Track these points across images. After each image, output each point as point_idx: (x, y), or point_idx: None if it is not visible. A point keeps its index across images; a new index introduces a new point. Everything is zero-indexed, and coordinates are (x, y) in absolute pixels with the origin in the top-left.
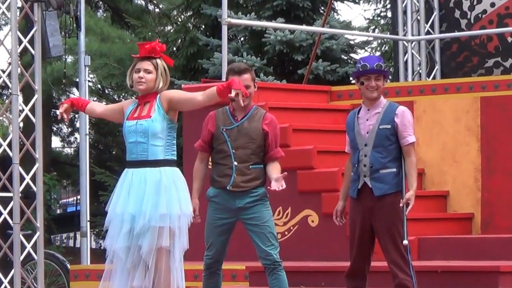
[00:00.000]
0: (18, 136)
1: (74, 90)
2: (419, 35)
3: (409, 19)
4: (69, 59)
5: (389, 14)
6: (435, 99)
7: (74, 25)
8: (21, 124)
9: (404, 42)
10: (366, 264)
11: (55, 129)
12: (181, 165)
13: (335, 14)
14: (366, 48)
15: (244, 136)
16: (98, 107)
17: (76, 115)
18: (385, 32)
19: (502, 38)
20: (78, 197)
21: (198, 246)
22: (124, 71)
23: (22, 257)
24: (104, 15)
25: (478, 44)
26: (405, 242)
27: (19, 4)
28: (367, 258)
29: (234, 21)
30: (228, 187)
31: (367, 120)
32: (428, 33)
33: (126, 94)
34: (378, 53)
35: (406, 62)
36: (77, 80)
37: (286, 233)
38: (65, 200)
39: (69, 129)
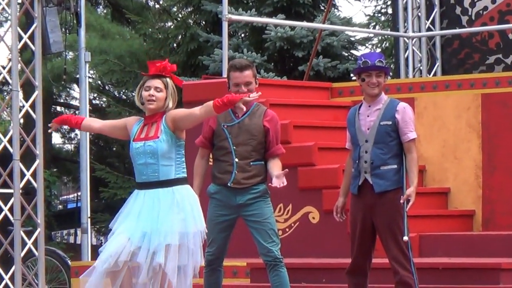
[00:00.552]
0: (19, 132)
1: (75, 86)
2: (420, 31)
3: (410, 16)
4: (69, 55)
5: (389, 10)
6: (436, 95)
7: (74, 21)
8: (22, 121)
9: (405, 39)
10: (367, 260)
11: None
12: None
13: (335, 10)
14: (366, 44)
15: (245, 132)
16: (95, 122)
17: (77, 111)
18: (385, 29)
19: (503, 35)
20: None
21: None
22: (124, 67)
23: (22, 254)
24: (104, 11)
25: (479, 41)
26: (405, 238)
27: (19, 0)
28: (368, 254)
29: (235, 17)
30: (229, 184)
31: (368, 116)
32: (429, 29)
33: (126, 91)
34: (378, 50)
35: (407, 59)
36: (78, 76)
37: (287, 229)
38: (65, 197)
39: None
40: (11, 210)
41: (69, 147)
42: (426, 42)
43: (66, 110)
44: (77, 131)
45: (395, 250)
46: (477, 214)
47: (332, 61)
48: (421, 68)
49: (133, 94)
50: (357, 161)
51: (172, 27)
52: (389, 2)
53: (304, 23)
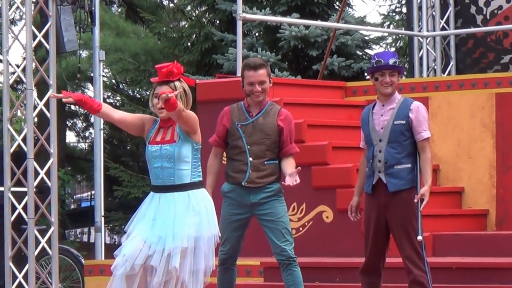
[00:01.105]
0: (33, 131)
1: (89, 85)
2: (434, 30)
3: (424, 15)
4: (84, 53)
5: (404, 9)
6: (450, 95)
7: (89, 20)
8: (36, 119)
9: (419, 38)
10: (381, 260)
11: (69, 124)
12: None
13: (350, 9)
14: (381, 43)
15: (259, 132)
16: (115, 113)
17: None
18: (400, 28)
19: None
20: (93, 192)
21: None
22: (138, 66)
23: (36, 252)
24: (119, 10)
25: (494, 40)
26: (419, 237)
27: None
28: (382, 254)
29: (249, 16)
30: (243, 183)
31: (382, 115)
32: (443, 28)
33: (140, 89)
34: (393, 49)
35: (421, 58)
36: (92, 75)
37: (301, 229)
38: (79, 195)
39: (84, 124)
40: (25, 208)
41: (83, 145)
42: (440, 41)
43: (80, 109)
44: (91, 130)
45: (409, 250)
46: (491, 213)
47: (346, 60)
48: (435, 67)
49: (147, 93)
50: (371, 161)
51: (186, 26)
52: (403, 1)
53: (319, 22)
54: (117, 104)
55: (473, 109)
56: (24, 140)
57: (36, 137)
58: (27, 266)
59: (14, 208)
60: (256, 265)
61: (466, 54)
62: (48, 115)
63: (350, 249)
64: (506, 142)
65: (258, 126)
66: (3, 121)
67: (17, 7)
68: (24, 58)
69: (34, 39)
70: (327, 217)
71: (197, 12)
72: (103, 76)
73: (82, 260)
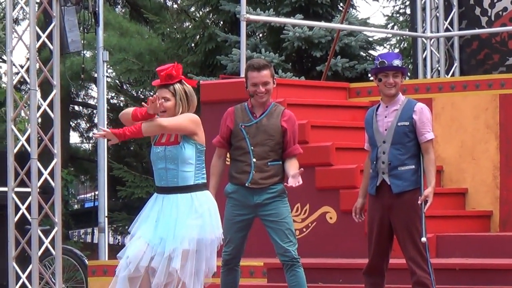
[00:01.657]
0: (37, 131)
1: (93, 85)
2: (438, 32)
3: (428, 16)
4: (88, 53)
5: (408, 11)
6: (454, 96)
7: (93, 20)
8: (40, 120)
9: (423, 39)
10: (384, 261)
11: (73, 124)
12: None
13: (353, 10)
14: (384, 44)
15: (263, 133)
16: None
17: (94, 111)
18: (404, 29)
19: None
20: (96, 192)
21: None
22: (142, 66)
23: (40, 253)
24: (123, 10)
25: (498, 42)
26: (423, 239)
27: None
28: (385, 255)
29: (253, 17)
30: (246, 184)
31: (386, 117)
32: (447, 30)
33: (144, 90)
34: (396, 50)
35: (425, 59)
36: (96, 75)
37: (304, 229)
38: (83, 196)
39: (88, 125)
40: (28, 209)
41: (86, 146)
42: (444, 42)
43: (84, 110)
44: (94, 130)
45: (412, 251)
46: (494, 215)
47: (350, 61)
48: (439, 68)
49: (151, 93)
50: (375, 162)
51: (190, 27)
52: (407, 3)
53: (322, 23)
54: (121, 104)
55: (476, 110)
56: (27, 140)
57: (39, 138)
58: (30, 267)
59: (17, 209)
60: (260, 266)
61: (470, 55)
62: (52, 115)
63: (353, 250)
64: (509, 143)
65: (262, 127)
66: (6, 122)
67: (21, 8)
68: (28, 59)
69: (38, 40)
70: (330, 218)
71: (201, 13)
72: (107, 76)
73: (86, 260)
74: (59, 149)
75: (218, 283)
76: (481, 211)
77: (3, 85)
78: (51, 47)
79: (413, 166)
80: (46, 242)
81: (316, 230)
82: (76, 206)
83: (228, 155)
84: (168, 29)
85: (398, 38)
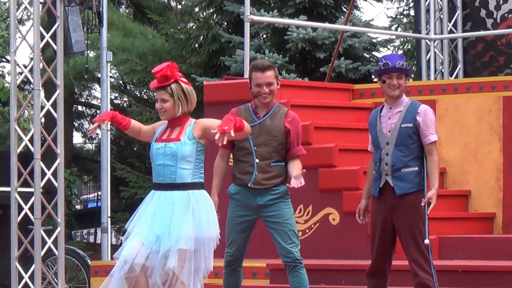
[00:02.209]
0: (40, 131)
1: (96, 85)
2: (442, 33)
3: (432, 18)
4: (91, 53)
5: (412, 12)
6: (457, 98)
7: (96, 20)
8: (43, 120)
9: (427, 41)
10: (387, 262)
11: (76, 124)
12: None
13: (357, 12)
14: (388, 46)
15: (266, 133)
16: (138, 127)
17: (98, 111)
18: (407, 31)
19: None
20: (99, 193)
21: (219, 243)
22: (146, 67)
23: (42, 253)
24: (127, 11)
25: (504, 44)
26: (426, 241)
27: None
28: (388, 256)
29: (257, 18)
30: (249, 185)
31: (389, 118)
32: (451, 32)
33: (147, 90)
34: (400, 52)
35: (428, 61)
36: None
37: (307, 231)
38: (85, 196)
39: (91, 125)
40: (31, 209)
41: (90, 146)
42: (448, 44)
43: (87, 110)
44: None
45: (415, 252)
46: (497, 217)
47: (354, 62)
48: (442, 70)
49: (154, 94)
50: (378, 163)
51: (194, 27)
52: (411, 4)
53: (326, 25)
54: (124, 105)
55: (480, 112)
56: (31, 140)
57: (43, 138)
58: (33, 267)
59: (20, 209)
60: (262, 267)
61: (475, 57)
62: (55, 115)
63: (356, 252)
64: None
65: (265, 127)
66: (10, 121)
67: (25, 8)
68: (32, 59)
69: (41, 40)
70: (333, 220)
71: (204, 13)
72: (111, 77)
73: (88, 260)
74: (62, 149)
75: (220, 284)
76: (484, 213)
77: (7, 84)
78: (55, 47)
79: (417, 168)
80: (49, 242)
81: (319, 231)
82: (79, 207)
83: (231, 155)
84: (172, 29)
85: (401, 39)
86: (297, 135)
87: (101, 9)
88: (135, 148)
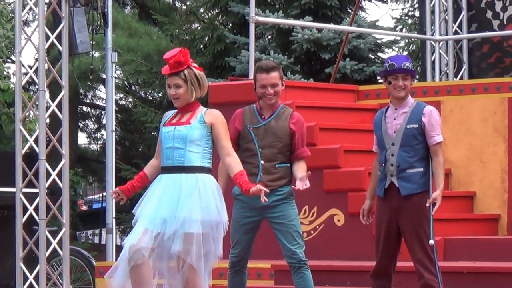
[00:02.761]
0: (45, 132)
1: (101, 86)
2: (447, 35)
3: (437, 19)
4: (96, 53)
5: (416, 13)
6: (462, 99)
7: (101, 21)
8: (48, 120)
9: (432, 42)
10: (391, 263)
11: (81, 125)
12: None
13: (362, 13)
14: (393, 47)
15: (271, 135)
16: (155, 161)
17: (103, 112)
18: (412, 32)
19: None
20: (104, 193)
21: (223, 244)
22: (151, 68)
23: (47, 253)
24: (132, 11)
25: (511, 45)
26: (431, 242)
27: (47, 0)
28: (393, 257)
29: (262, 19)
30: None
31: (395, 119)
32: (456, 33)
33: (152, 91)
34: (405, 53)
35: (433, 62)
36: (104, 76)
37: (312, 232)
38: (90, 197)
39: (96, 126)
40: (36, 209)
41: (94, 147)
42: (453, 45)
43: (92, 110)
44: (102, 131)
45: (420, 253)
46: (502, 218)
47: (359, 63)
48: (447, 71)
49: (160, 94)
50: (383, 164)
51: (199, 28)
52: (416, 5)
53: (331, 26)
54: (129, 106)
55: (485, 113)
56: (36, 141)
57: (48, 138)
58: (38, 267)
59: (25, 209)
60: (267, 268)
61: (481, 58)
62: (60, 116)
63: (361, 253)
64: None
65: (270, 129)
66: (15, 122)
67: (30, 8)
68: (37, 59)
69: (46, 40)
70: (338, 221)
71: (209, 14)
72: (116, 78)
73: (93, 261)
74: (67, 150)
75: (225, 285)
76: (489, 214)
77: (12, 85)
78: (60, 48)
79: (422, 169)
80: (54, 243)
81: (324, 232)
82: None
83: None
84: (177, 30)
85: (406, 40)
86: (302, 137)
87: (106, 10)
88: (140, 149)
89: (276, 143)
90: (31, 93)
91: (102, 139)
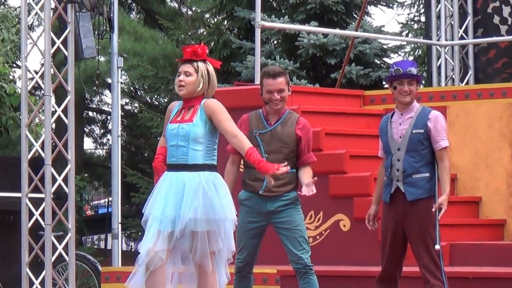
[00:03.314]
0: (51, 137)
1: (107, 91)
2: (452, 40)
3: (443, 24)
4: (102, 58)
5: (422, 18)
6: (468, 104)
7: (107, 26)
8: (54, 125)
9: (438, 47)
10: (397, 269)
11: (87, 130)
12: None
13: (368, 18)
14: (399, 52)
15: (277, 140)
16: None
17: (108, 117)
18: (418, 37)
19: None
20: (110, 198)
21: None
22: (157, 72)
23: (53, 258)
24: (137, 17)
25: None
26: (437, 247)
27: (53, 5)
28: (398, 263)
29: (268, 24)
30: (260, 191)
31: (400, 124)
32: (461, 38)
33: (158, 96)
34: (411, 58)
35: (439, 67)
36: (110, 81)
37: (318, 237)
38: (96, 202)
39: (102, 131)
40: (42, 214)
41: (100, 152)
42: (458, 50)
43: (98, 115)
44: (108, 136)
45: (426, 259)
46: (508, 223)
47: (365, 68)
48: (453, 76)
49: (165, 100)
50: (389, 169)
51: (205, 33)
52: (422, 10)
53: (337, 31)
54: (135, 111)
55: (490, 118)
56: (42, 146)
57: (54, 143)
58: (44, 273)
59: (31, 214)
60: (273, 273)
61: (487, 64)
62: (66, 121)
63: (367, 258)
64: None
65: (276, 135)
66: (21, 127)
67: (36, 13)
68: (43, 64)
69: (52, 46)
70: (344, 226)
71: (215, 19)
72: (121, 83)
73: (99, 266)
74: (73, 155)
75: None
76: (494, 220)
77: (18, 90)
78: (66, 53)
79: (428, 174)
80: (60, 248)
81: (330, 237)
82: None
83: (242, 162)
84: (183, 35)
85: (412, 45)
86: (308, 142)
87: (112, 15)
88: (145, 154)
89: (282, 149)
90: (37, 98)
91: (108, 144)
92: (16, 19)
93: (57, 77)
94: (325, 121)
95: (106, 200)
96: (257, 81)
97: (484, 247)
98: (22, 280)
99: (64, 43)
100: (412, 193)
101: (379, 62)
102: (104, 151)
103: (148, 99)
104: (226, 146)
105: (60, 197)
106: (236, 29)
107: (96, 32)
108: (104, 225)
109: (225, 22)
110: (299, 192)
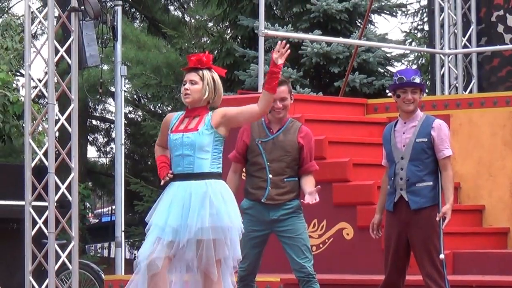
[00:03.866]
0: (54, 145)
1: (110, 100)
2: (456, 48)
3: (446, 32)
4: (105, 67)
5: (426, 27)
6: (471, 113)
7: (111, 34)
8: (57, 133)
9: (441, 56)
10: (401, 277)
11: (91, 138)
12: None
13: (372, 26)
14: (402, 61)
15: (279, 149)
16: (166, 152)
17: (112, 125)
18: (422, 45)
19: None
20: (113, 207)
21: None
22: (160, 81)
23: (56, 267)
24: (141, 25)
25: None
26: (442, 256)
27: (56, 14)
28: (402, 271)
29: (271, 32)
30: (262, 200)
31: (404, 133)
32: (465, 46)
33: (161, 105)
34: (414, 66)
35: (442, 76)
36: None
37: (321, 245)
38: (100, 210)
39: (105, 139)
40: (45, 223)
41: (104, 160)
42: (462, 59)
43: (101, 124)
44: (112, 145)
45: (429, 267)
46: (511, 231)
47: (368, 77)
48: (457, 85)
49: (169, 108)
50: (392, 178)
51: (208, 42)
52: (425, 19)
53: (340, 39)
54: (139, 119)
55: (494, 127)
56: (45, 154)
57: (57, 152)
58: (47, 281)
59: (34, 223)
60: (276, 282)
61: (491, 72)
62: (70, 129)
63: (370, 266)
64: None
65: (278, 143)
66: (24, 135)
67: (40, 22)
68: (46, 73)
69: (56, 54)
70: (347, 234)
71: (219, 28)
72: (125, 91)
73: (102, 275)
74: (76, 163)
75: None
76: (498, 228)
77: (21, 98)
78: (69, 61)
79: (431, 183)
80: (63, 256)
81: (333, 246)
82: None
83: (244, 170)
84: (186, 44)
85: (416, 54)
86: (310, 151)
87: (115, 24)
88: (149, 162)
89: (284, 157)
90: (41, 106)
91: (111, 152)
92: (20, 28)
93: (60, 86)
94: (329, 129)
95: (110, 208)
96: (261, 89)
97: (487, 256)
98: None
99: (68, 51)
100: (416, 202)
101: (382, 70)
102: (107, 159)
103: (151, 108)
104: (228, 155)
105: (63, 205)
106: (239, 38)
107: (100, 41)
108: (107, 233)
109: (229, 30)
110: (302, 201)
